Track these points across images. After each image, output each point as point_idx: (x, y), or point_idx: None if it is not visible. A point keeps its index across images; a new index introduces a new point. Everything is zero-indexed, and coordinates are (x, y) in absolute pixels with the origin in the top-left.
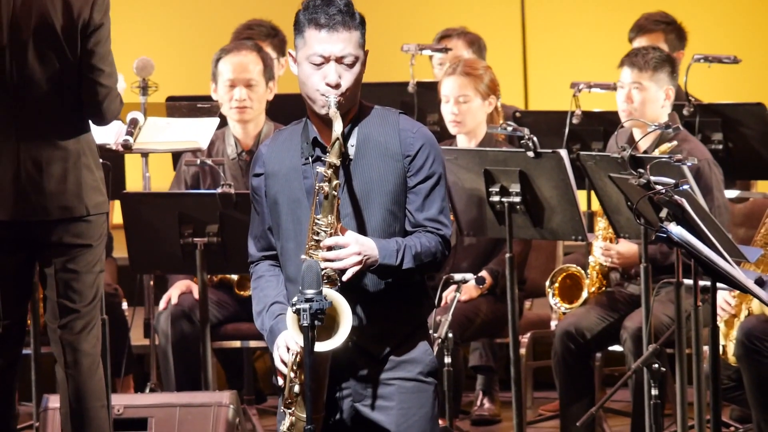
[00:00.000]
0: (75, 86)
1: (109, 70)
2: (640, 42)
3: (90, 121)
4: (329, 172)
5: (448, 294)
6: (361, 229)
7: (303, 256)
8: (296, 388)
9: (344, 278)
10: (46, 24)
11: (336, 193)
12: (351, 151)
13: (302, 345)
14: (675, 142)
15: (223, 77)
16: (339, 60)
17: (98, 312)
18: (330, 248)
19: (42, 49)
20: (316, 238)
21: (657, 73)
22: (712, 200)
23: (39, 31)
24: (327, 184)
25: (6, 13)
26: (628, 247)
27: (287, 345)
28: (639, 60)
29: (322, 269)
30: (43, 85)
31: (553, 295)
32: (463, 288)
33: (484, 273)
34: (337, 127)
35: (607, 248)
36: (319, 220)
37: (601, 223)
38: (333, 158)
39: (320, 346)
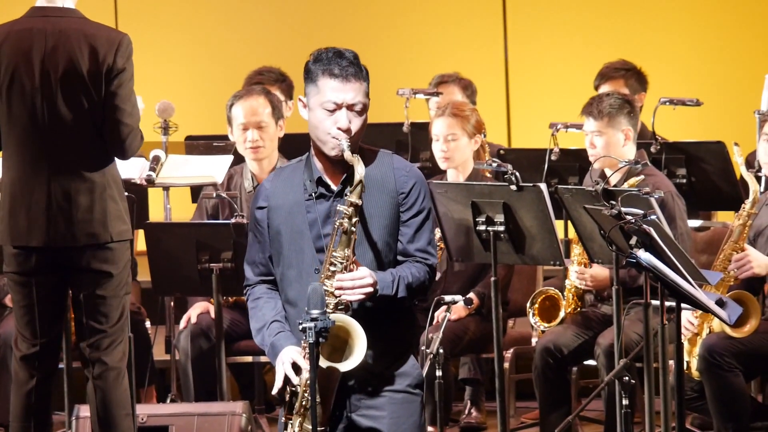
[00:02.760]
0: (101, 124)
1: (131, 110)
2: (604, 88)
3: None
4: (350, 210)
5: (440, 314)
6: (362, 260)
7: (316, 283)
8: (306, 403)
9: (344, 298)
10: (74, 68)
11: (354, 230)
12: None
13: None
14: (642, 177)
15: (236, 122)
16: (350, 107)
17: (124, 329)
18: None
19: (70, 90)
20: (332, 269)
21: (613, 119)
22: (675, 228)
23: (67, 75)
24: (347, 221)
25: (37, 58)
26: (600, 271)
27: (295, 361)
28: (594, 110)
29: (336, 297)
30: (72, 123)
31: (533, 314)
32: (453, 308)
33: (471, 295)
34: (360, 170)
35: (581, 272)
36: (336, 252)
37: (576, 250)
38: (354, 197)
39: (340, 366)
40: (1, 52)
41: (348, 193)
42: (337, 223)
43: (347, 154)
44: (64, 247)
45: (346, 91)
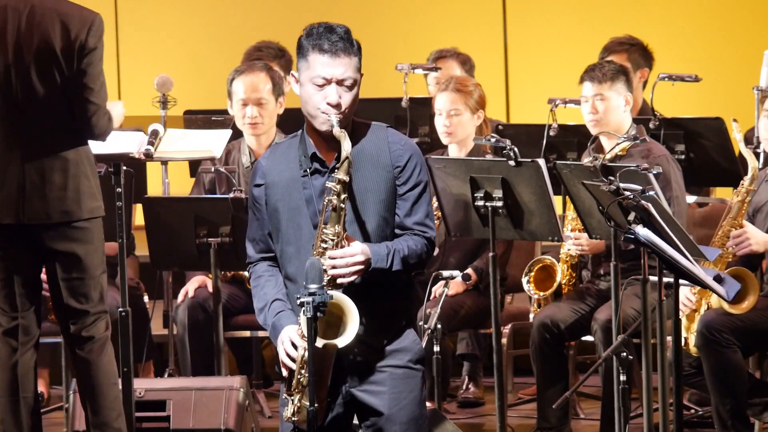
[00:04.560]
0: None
1: (98, 90)
2: None
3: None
4: (338, 186)
5: (437, 289)
6: (359, 235)
7: (314, 257)
8: (303, 380)
9: (339, 280)
10: (47, 45)
11: (344, 206)
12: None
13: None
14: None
15: (236, 97)
16: (339, 82)
17: (105, 304)
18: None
19: (43, 68)
20: (323, 246)
21: (615, 83)
22: (670, 190)
23: (40, 52)
24: (336, 197)
25: (11, 35)
26: None
27: (292, 341)
28: (597, 74)
29: (329, 276)
30: (45, 100)
31: (528, 282)
32: (451, 284)
33: (469, 270)
34: (347, 146)
35: (577, 237)
36: (326, 229)
37: (570, 215)
38: (342, 174)
39: (334, 342)
40: None
41: (336, 169)
42: (326, 200)
43: (336, 130)
44: (38, 224)
45: (336, 66)
